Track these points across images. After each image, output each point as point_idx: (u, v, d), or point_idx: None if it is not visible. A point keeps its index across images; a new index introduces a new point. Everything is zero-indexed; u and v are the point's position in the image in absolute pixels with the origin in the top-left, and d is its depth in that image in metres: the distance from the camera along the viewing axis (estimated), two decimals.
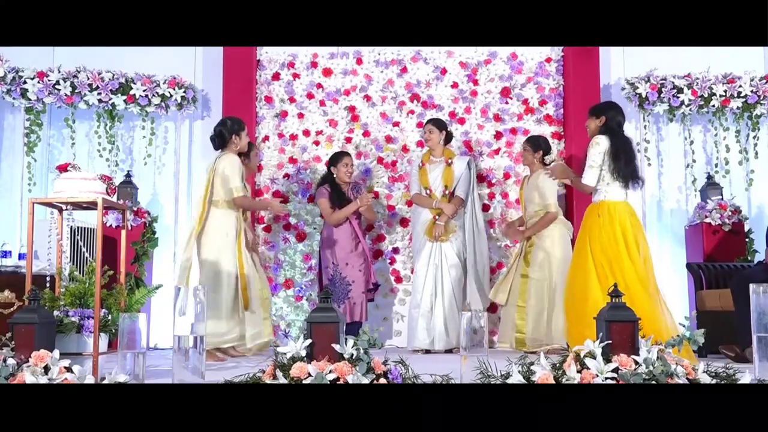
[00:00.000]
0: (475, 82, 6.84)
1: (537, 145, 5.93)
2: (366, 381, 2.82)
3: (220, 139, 5.39)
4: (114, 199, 5.76)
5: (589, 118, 5.00)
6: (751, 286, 3.40)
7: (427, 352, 5.72)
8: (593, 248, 4.70)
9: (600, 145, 4.74)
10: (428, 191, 5.92)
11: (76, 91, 6.45)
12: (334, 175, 6.11)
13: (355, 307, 5.99)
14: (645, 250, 4.73)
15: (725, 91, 6.52)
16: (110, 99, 6.51)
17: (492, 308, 6.47)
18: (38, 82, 6.41)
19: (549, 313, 5.60)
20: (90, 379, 2.98)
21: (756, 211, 6.73)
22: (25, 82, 6.39)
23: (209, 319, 4.86)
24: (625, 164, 4.72)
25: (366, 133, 6.80)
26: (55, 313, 3.86)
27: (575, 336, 4.53)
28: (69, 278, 4.23)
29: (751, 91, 6.51)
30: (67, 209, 4.32)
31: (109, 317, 4.04)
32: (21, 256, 5.41)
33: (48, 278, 4.40)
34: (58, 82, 6.42)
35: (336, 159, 6.14)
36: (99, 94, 6.47)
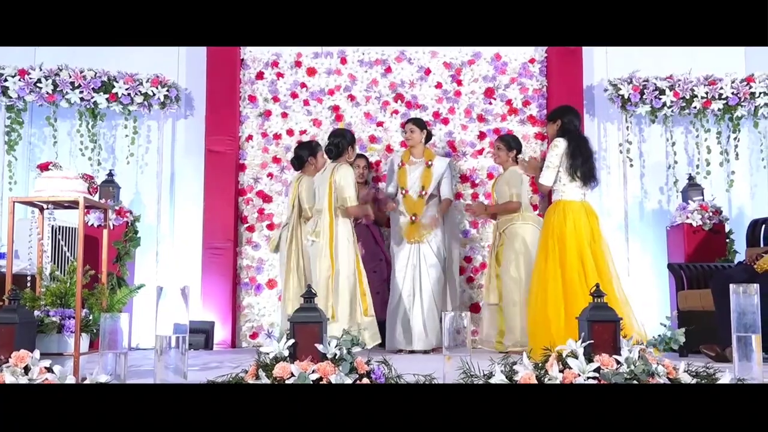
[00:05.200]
0: (459, 83, 6.86)
1: (510, 144, 5.94)
2: (349, 381, 2.81)
3: (337, 150, 5.52)
4: (96, 198, 5.76)
5: (547, 124, 5.20)
6: (731, 287, 3.43)
7: (411, 352, 5.72)
8: (549, 247, 4.82)
9: (558, 147, 4.91)
10: (404, 191, 5.91)
11: (57, 89, 6.40)
12: None
13: None
14: (598, 250, 4.82)
15: (707, 93, 6.57)
16: (92, 97, 6.46)
17: (474, 308, 6.50)
18: (19, 80, 6.36)
19: (522, 313, 5.57)
20: (71, 380, 2.96)
21: (736, 212, 6.79)
22: (6, 80, 6.34)
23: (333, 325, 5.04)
24: (582, 163, 4.87)
25: None
26: (36, 312, 3.83)
27: (534, 333, 4.65)
28: (50, 278, 4.20)
29: (732, 93, 6.56)
30: (48, 208, 4.28)
31: (91, 317, 4.01)
32: (1, 256, 5.35)
33: (28, 278, 4.36)
34: (39, 80, 6.37)
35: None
36: (81, 92, 6.42)
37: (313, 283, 5.27)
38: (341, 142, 5.51)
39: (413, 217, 5.83)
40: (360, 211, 5.54)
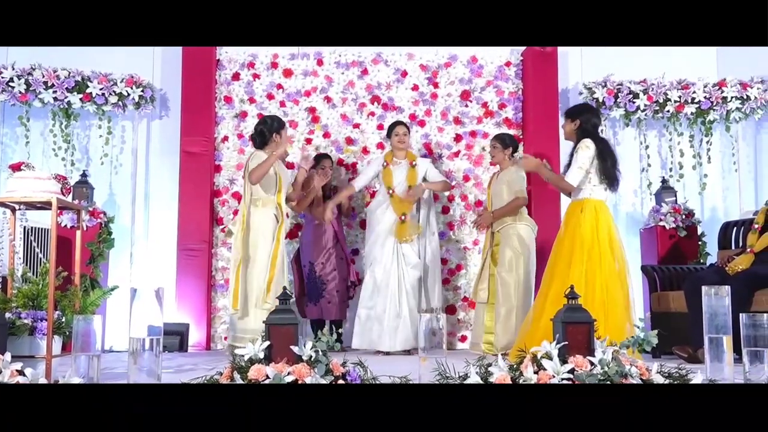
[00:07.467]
0: (436, 85, 6.87)
1: (505, 142, 5.96)
2: (325, 383, 2.81)
3: (261, 138, 5.49)
4: (69, 199, 5.70)
5: (564, 120, 5.08)
6: (703, 288, 3.48)
7: (387, 353, 5.72)
8: (575, 243, 4.75)
9: (590, 149, 4.80)
10: (391, 191, 5.94)
11: (30, 88, 6.33)
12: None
13: (330, 306, 6.12)
14: (621, 250, 4.83)
15: (680, 97, 6.65)
16: (66, 97, 6.40)
17: (450, 309, 6.52)
18: None
19: (518, 314, 5.56)
20: (43, 383, 2.92)
21: (708, 214, 6.87)
22: None
23: (250, 316, 5.28)
24: (611, 165, 4.84)
25: (326, 135, 6.79)
26: (7, 314, 3.79)
27: (533, 336, 4.57)
28: (22, 279, 4.16)
29: (705, 97, 6.64)
30: (20, 209, 4.24)
31: (63, 319, 3.98)
32: None
33: (0, 279, 4.32)
34: (11, 80, 6.30)
35: (316, 161, 6.37)
36: (54, 92, 6.35)
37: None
38: (263, 129, 5.49)
39: (402, 217, 5.86)
40: (262, 170, 5.30)
